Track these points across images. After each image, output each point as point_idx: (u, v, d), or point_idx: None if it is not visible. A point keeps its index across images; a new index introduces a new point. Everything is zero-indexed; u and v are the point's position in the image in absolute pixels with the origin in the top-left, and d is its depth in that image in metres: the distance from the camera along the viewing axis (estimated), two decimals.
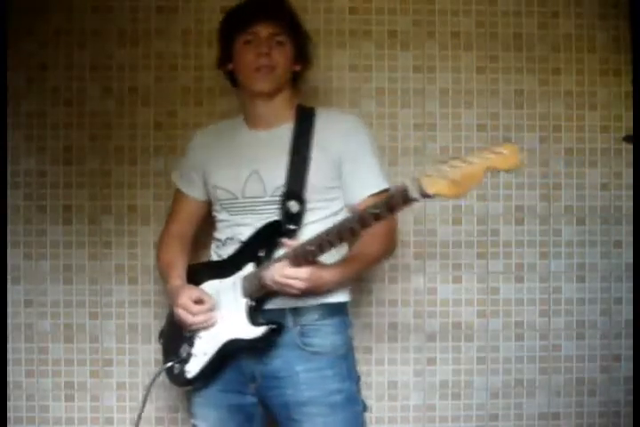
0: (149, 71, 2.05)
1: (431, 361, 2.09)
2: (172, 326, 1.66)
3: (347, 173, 1.59)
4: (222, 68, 1.67)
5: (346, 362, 1.58)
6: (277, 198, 1.55)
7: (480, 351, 2.10)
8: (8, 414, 1.97)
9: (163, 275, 1.71)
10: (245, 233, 1.57)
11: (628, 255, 2.11)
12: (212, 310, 1.55)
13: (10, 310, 2.00)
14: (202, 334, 1.58)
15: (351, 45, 2.07)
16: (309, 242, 1.39)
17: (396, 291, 2.08)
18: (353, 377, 1.59)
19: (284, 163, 1.56)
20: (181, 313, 1.55)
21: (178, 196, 1.76)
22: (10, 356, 2.00)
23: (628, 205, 2.11)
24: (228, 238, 1.62)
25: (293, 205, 1.54)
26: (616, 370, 2.12)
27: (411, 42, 2.08)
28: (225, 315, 1.55)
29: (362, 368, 2.05)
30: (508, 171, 1.19)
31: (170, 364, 1.60)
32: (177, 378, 1.60)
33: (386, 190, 1.56)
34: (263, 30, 1.58)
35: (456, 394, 2.10)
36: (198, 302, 1.55)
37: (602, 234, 2.12)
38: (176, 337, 1.63)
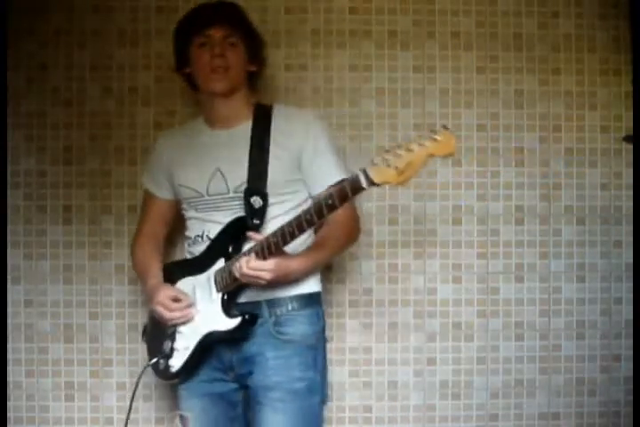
0: (149, 71, 2.05)
1: (431, 361, 2.09)
2: (153, 324, 1.74)
3: (306, 165, 1.66)
4: (180, 72, 1.73)
5: (313, 352, 1.65)
6: (241, 195, 1.61)
7: (480, 351, 2.10)
8: (8, 414, 1.97)
9: (139, 275, 1.79)
10: (213, 230, 1.64)
11: (628, 255, 2.11)
12: (189, 306, 1.63)
13: (10, 310, 2.00)
14: (182, 329, 1.65)
15: (351, 45, 2.07)
16: (273, 234, 1.47)
17: (396, 291, 2.08)
18: (318, 367, 1.65)
19: (244, 160, 1.63)
20: (160, 310, 1.62)
21: (147, 197, 1.83)
22: (10, 356, 2.00)
23: (627, 204, 2.11)
24: (197, 236, 1.68)
25: (256, 201, 1.60)
26: (616, 370, 2.12)
27: (411, 42, 2.08)
28: (202, 309, 1.63)
29: (362, 368, 2.08)
30: (445, 157, 1.26)
31: (154, 360, 1.68)
32: (163, 373, 1.68)
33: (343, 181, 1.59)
34: (216, 33, 1.65)
35: (456, 394, 2.10)
36: (175, 300, 1.63)
37: (602, 234, 2.12)
38: (158, 334, 1.70)
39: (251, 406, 1.66)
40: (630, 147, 2.10)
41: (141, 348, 2.04)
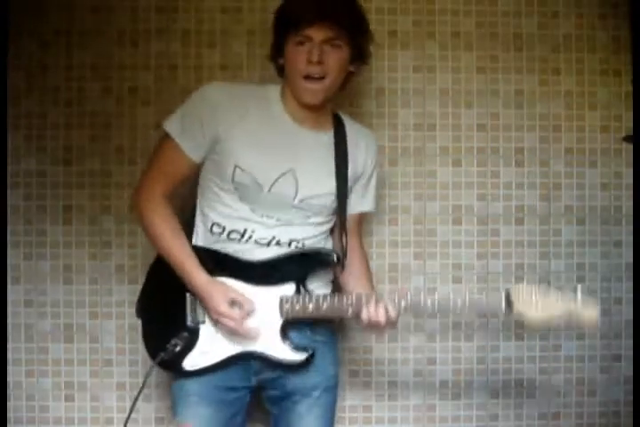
0: (149, 71, 2.05)
1: (431, 361, 2.09)
2: (160, 302, 1.60)
3: (356, 188, 1.66)
4: (273, 61, 1.58)
5: (335, 349, 1.71)
6: (303, 206, 1.54)
7: (480, 351, 2.10)
8: (8, 415, 1.97)
9: (172, 259, 1.53)
10: (260, 231, 1.53)
11: (628, 255, 2.11)
12: (251, 314, 1.51)
13: (10, 309, 2.00)
14: (213, 328, 1.54)
15: None
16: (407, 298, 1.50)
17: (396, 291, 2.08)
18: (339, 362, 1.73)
19: (321, 172, 1.56)
20: (226, 322, 1.50)
21: (172, 152, 1.53)
22: (10, 356, 2.00)
23: (628, 204, 2.11)
24: (235, 231, 1.54)
25: (344, 240, 1.63)
26: (616, 370, 2.12)
27: (411, 42, 2.08)
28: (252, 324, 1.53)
29: (362, 368, 2.08)
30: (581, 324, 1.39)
31: (162, 354, 1.51)
32: (169, 362, 1.53)
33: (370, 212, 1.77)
34: (318, 34, 1.45)
35: (456, 394, 2.10)
36: (232, 303, 1.50)
37: (602, 234, 2.12)
38: (169, 319, 1.57)
39: (283, 408, 1.63)
40: (630, 147, 2.10)
41: (142, 348, 2.04)
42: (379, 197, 1.78)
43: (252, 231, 1.53)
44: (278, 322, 1.53)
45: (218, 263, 1.54)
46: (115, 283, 2.06)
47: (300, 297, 1.51)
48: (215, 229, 1.56)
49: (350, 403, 2.08)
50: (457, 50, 2.09)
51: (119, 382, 2.06)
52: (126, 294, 2.05)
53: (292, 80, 1.51)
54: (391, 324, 1.49)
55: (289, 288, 1.53)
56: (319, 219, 1.60)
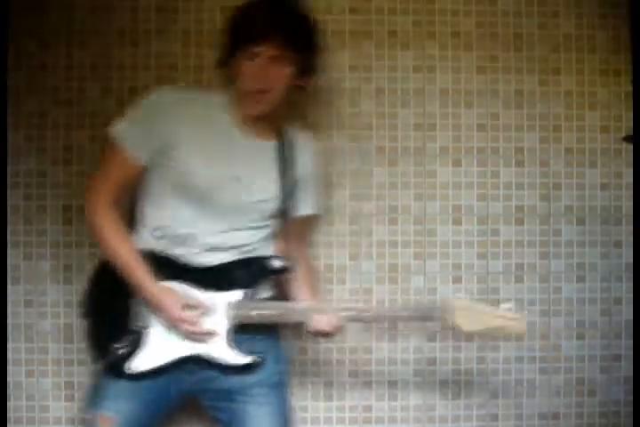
0: (149, 71, 2.05)
1: (431, 361, 2.09)
2: (106, 304, 1.59)
3: (298, 192, 1.70)
4: (221, 70, 1.62)
5: (279, 347, 1.71)
6: (247, 211, 1.59)
7: (480, 351, 2.10)
8: (8, 415, 1.97)
9: (115, 255, 1.53)
10: (207, 237, 1.56)
11: (627, 255, 2.11)
12: (202, 316, 1.54)
13: (10, 309, 2.00)
14: (159, 331, 1.55)
15: (351, 45, 2.07)
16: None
17: (396, 291, 2.08)
18: (285, 359, 1.73)
19: (267, 179, 1.61)
20: (184, 326, 1.52)
21: (121, 157, 1.54)
22: (10, 356, 2.00)
23: (627, 204, 2.11)
24: (180, 236, 1.55)
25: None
26: (616, 370, 2.12)
27: (411, 42, 2.08)
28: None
29: (362, 368, 2.07)
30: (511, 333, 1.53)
31: (114, 354, 1.53)
32: (113, 365, 1.54)
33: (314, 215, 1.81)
34: (266, 52, 1.50)
35: (456, 394, 2.10)
36: (186, 307, 1.53)
37: (602, 234, 2.12)
38: (116, 321, 1.56)
39: (229, 412, 1.61)
40: (630, 147, 2.10)
41: None
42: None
43: (197, 236, 1.56)
44: (225, 327, 1.55)
45: (163, 267, 1.55)
46: None
47: (248, 303, 1.56)
48: (158, 233, 1.58)
49: (350, 403, 2.08)
50: (457, 50, 2.09)
51: None
52: None
53: (237, 91, 1.56)
54: (336, 331, 1.57)
55: (237, 294, 1.56)
56: (262, 223, 1.64)
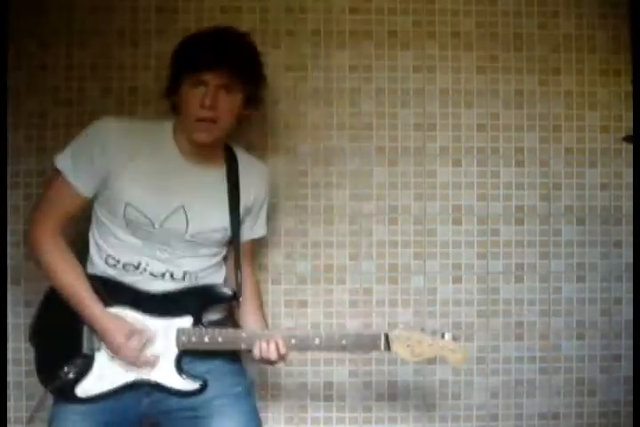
0: (149, 71, 2.05)
1: (431, 361, 2.08)
2: (54, 329, 1.59)
3: (247, 219, 1.71)
4: (168, 98, 1.62)
5: (239, 360, 1.71)
6: (195, 241, 1.59)
7: (480, 351, 2.10)
8: (8, 415, 1.97)
9: (66, 290, 1.53)
10: (151, 265, 1.57)
11: (627, 255, 2.11)
12: (147, 343, 1.54)
13: (10, 309, 2.00)
14: (106, 357, 1.55)
15: (351, 45, 2.07)
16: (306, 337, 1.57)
17: (396, 291, 2.08)
18: (246, 373, 1.74)
19: (211, 208, 1.60)
20: (125, 354, 1.52)
21: (62, 187, 1.53)
22: (10, 356, 2.00)
23: (627, 204, 2.11)
24: (130, 264, 1.57)
25: (239, 275, 1.69)
26: (616, 370, 2.12)
27: (411, 42, 2.08)
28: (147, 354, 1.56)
29: (361, 368, 2.07)
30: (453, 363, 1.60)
31: (70, 373, 1.54)
32: (62, 389, 1.54)
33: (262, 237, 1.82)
34: (213, 80, 1.50)
35: (456, 394, 2.11)
36: (130, 334, 1.52)
37: (602, 234, 2.12)
38: (64, 346, 1.56)
39: (187, 424, 1.60)
40: (630, 147, 2.10)
41: None
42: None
43: (147, 264, 1.57)
44: (174, 353, 1.56)
45: (114, 293, 1.56)
46: None
47: (197, 330, 1.56)
48: (110, 260, 1.59)
49: (350, 403, 2.08)
50: (457, 50, 2.09)
51: None
52: None
53: (184, 119, 1.55)
54: (281, 359, 1.57)
55: (186, 321, 1.57)
56: (211, 251, 1.65)
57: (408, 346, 1.57)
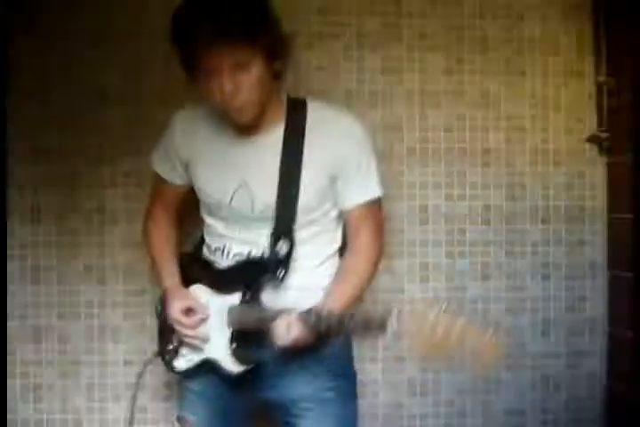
0: (118, 71, 2.04)
1: (399, 359, 2.12)
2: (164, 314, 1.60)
3: (342, 182, 1.48)
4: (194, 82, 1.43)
5: (339, 360, 1.56)
6: (265, 217, 1.47)
7: None
8: None
9: (154, 265, 1.64)
10: (236, 247, 1.51)
11: (590, 254, 2.16)
12: (202, 321, 1.51)
13: None
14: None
15: (319, 47, 2.08)
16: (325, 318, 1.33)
17: (368, 290, 2.09)
18: (348, 375, 1.60)
19: (274, 178, 1.45)
20: (175, 324, 1.52)
21: (159, 179, 1.64)
22: None
23: (590, 204, 2.16)
24: (217, 248, 1.55)
25: (282, 248, 1.46)
26: (580, 366, 2.16)
27: (378, 44, 2.10)
28: (210, 331, 1.51)
29: None
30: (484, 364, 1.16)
31: (156, 356, 1.61)
32: (167, 365, 1.60)
33: (379, 198, 1.53)
34: (221, 63, 1.32)
35: (424, 391, 2.13)
36: (189, 310, 1.51)
37: (566, 233, 2.16)
38: (167, 325, 1.58)
39: (282, 422, 1.56)
40: (594, 147, 2.15)
41: (111, 347, 2.06)
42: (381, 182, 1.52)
43: (230, 247, 1.53)
44: (227, 331, 1.49)
45: (198, 270, 1.58)
46: (83, 283, 2.05)
47: (244, 308, 1.46)
48: (207, 248, 1.60)
49: None
50: (424, 52, 2.11)
51: (88, 382, 2.06)
52: (95, 295, 2.05)
53: (218, 109, 1.44)
54: (287, 342, 1.36)
55: (235, 297, 1.48)
56: (301, 225, 1.49)
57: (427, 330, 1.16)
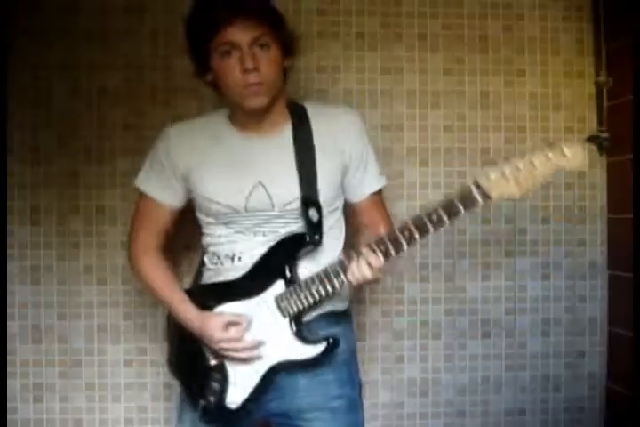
0: (117, 71, 2.04)
1: (399, 359, 2.12)
2: (181, 354, 1.58)
3: (352, 172, 1.53)
4: (201, 79, 1.49)
5: (347, 368, 1.56)
6: (286, 213, 1.47)
7: (447, 349, 2.13)
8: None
9: (161, 298, 1.56)
10: (248, 251, 1.48)
11: (591, 254, 2.16)
12: (247, 329, 1.46)
13: None
14: (233, 360, 1.48)
15: (319, 47, 2.08)
16: (393, 236, 1.36)
17: (365, 289, 2.10)
18: (354, 383, 1.57)
19: (290, 173, 1.46)
20: (228, 347, 1.45)
21: (148, 203, 1.56)
22: None
23: (590, 204, 2.16)
24: (227, 256, 1.51)
25: (314, 215, 1.45)
26: (580, 366, 2.16)
27: (378, 43, 2.10)
28: (261, 337, 1.46)
29: None
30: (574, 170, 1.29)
31: (205, 402, 1.48)
32: (215, 412, 1.48)
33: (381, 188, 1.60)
34: (243, 37, 1.35)
35: (424, 391, 2.13)
36: (229, 325, 1.45)
37: (566, 233, 2.16)
38: (194, 366, 1.52)
39: None
40: (594, 147, 2.14)
41: (111, 347, 2.06)
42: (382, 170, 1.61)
43: (241, 253, 1.49)
44: (285, 323, 1.45)
45: (210, 295, 1.52)
46: (83, 283, 2.05)
47: (292, 290, 1.44)
48: (215, 259, 1.55)
49: None
50: (424, 52, 2.11)
51: (88, 382, 2.06)
52: (95, 295, 2.05)
53: (231, 92, 1.42)
54: (379, 271, 1.38)
55: (279, 285, 1.45)
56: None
57: (506, 180, 1.25)
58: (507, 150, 2.14)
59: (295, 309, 1.44)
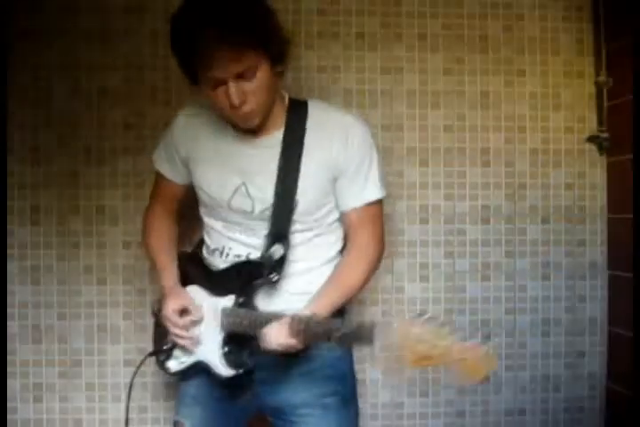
0: (117, 71, 2.04)
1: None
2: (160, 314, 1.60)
3: (342, 183, 1.46)
4: (196, 86, 1.42)
5: (342, 364, 1.55)
6: (266, 217, 1.45)
7: None
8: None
9: (152, 261, 1.63)
10: (236, 248, 1.50)
11: (590, 254, 2.16)
12: (194, 323, 1.49)
13: None
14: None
15: (319, 46, 2.08)
16: (312, 322, 1.30)
17: (365, 290, 2.09)
18: (348, 379, 1.57)
19: (271, 180, 1.43)
20: (167, 324, 1.50)
21: (160, 178, 1.64)
22: None
23: (590, 204, 2.16)
24: (216, 249, 1.53)
25: (277, 251, 1.44)
26: (580, 366, 2.16)
27: (378, 43, 2.10)
28: (203, 333, 1.50)
29: None
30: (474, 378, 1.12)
31: (152, 354, 1.60)
32: (160, 366, 1.59)
33: (379, 200, 1.50)
34: (226, 73, 1.29)
35: (424, 391, 2.13)
36: (183, 311, 1.50)
37: (566, 233, 2.16)
38: (162, 327, 1.57)
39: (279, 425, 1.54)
40: (593, 147, 2.15)
41: (111, 347, 2.06)
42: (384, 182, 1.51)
43: (229, 248, 1.51)
44: (220, 334, 1.47)
45: (196, 271, 1.57)
46: (83, 283, 2.05)
47: (237, 311, 1.45)
48: (205, 249, 1.59)
49: None
50: (424, 52, 2.11)
51: (88, 382, 2.06)
52: (95, 295, 2.05)
53: (222, 113, 1.41)
54: (272, 347, 1.34)
55: (229, 300, 1.47)
56: (299, 226, 1.48)
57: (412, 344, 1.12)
58: (507, 150, 2.14)
59: (230, 328, 1.45)
